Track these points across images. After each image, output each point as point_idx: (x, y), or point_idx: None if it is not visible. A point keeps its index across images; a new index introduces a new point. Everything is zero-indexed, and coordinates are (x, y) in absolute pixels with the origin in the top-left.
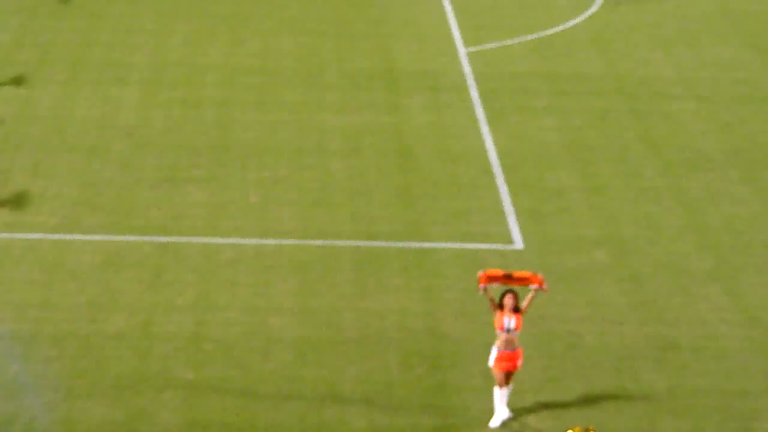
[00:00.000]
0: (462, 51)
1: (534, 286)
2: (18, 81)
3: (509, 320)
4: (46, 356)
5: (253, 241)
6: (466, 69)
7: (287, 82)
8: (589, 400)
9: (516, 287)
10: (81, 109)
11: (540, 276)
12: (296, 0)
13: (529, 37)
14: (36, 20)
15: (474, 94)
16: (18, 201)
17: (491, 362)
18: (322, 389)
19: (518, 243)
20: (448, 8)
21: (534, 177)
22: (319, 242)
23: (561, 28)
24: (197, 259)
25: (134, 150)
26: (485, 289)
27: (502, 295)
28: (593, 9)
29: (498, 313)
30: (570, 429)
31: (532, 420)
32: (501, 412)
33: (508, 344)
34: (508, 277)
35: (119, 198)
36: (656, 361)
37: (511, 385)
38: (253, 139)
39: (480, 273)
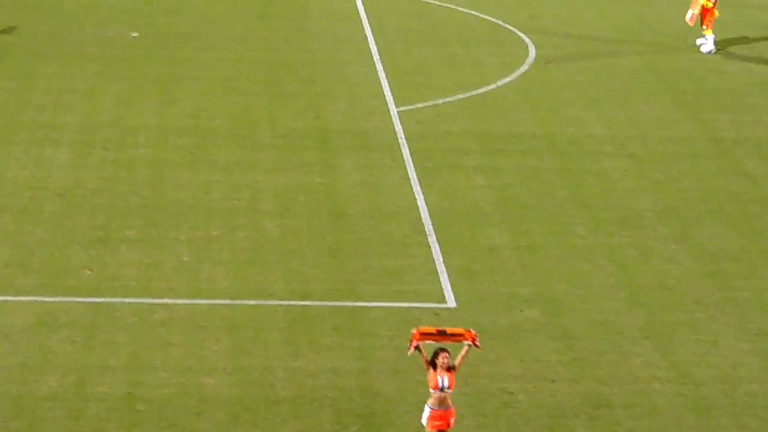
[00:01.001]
0: (394, 110)
1: (467, 343)
2: None
3: (442, 379)
4: None
5: (186, 301)
6: (398, 128)
7: (219, 142)
8: None
9: (449, 344)
10: (12, 170)
11: (473, 332)
12: (228, 60)
13: (460, 96)
14: None
15: (406, 153)
16: None
17: (424, 420)
18: None
19: (451, 301)
20: (380, 68)
21: (466, 235)
22: (251, 302)
23: (491, 87)
24: (130, 320)
25: (66, 211)
26: (418, 348)
27: (435, 354)
28: (523, 68)
29: (431, 372)
30: None
31: None
32: None
33: (442, 402)
34: (441, 334)
35: (51, 259)
36: (589, 419)
37: None
38: (185, 199)
39: (413, 330)
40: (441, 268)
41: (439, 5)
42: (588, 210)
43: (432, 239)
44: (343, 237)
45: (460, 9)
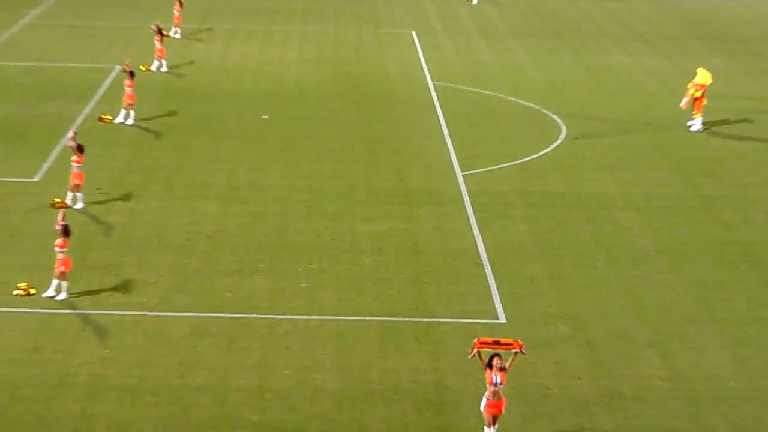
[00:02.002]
0: (459, 174)
1: (515, 350)
2: (127, 197)
3: (496, 377)
4: (147, 402)
5: (303, 317)
6: (462, 187)
7: (328, 198)
8: None
9: (501, 351)
10: (173, 218)
11: (520, 342)
12: (335, 136)
13: (510, 164)
14: (140, 151)
15: (468, 206)
16: (127, 286)
17: (482, 408)
18: (355, 428)
19: (502, 318)
20: (449, 142)
21: (513, 268)
22: (352, 318)
23: (533, 157)
24: (261, 331)
25: (213, 248)
26: (478, 353)
27: (491, 358)
28: (557, 142)
29: (488, 371)
30: None
31: None
32: None
33: (495, 395)
34: (496, 343)
35: (202, 284)
36: (606, 407)
37: (496, 426)
38: (303, 241)
39: (474, 340)
40: (495, 293)
41: (492, 95)
42: (605, 249)
43: (488, 271)
44: (421, 269)
45: (508, 98)
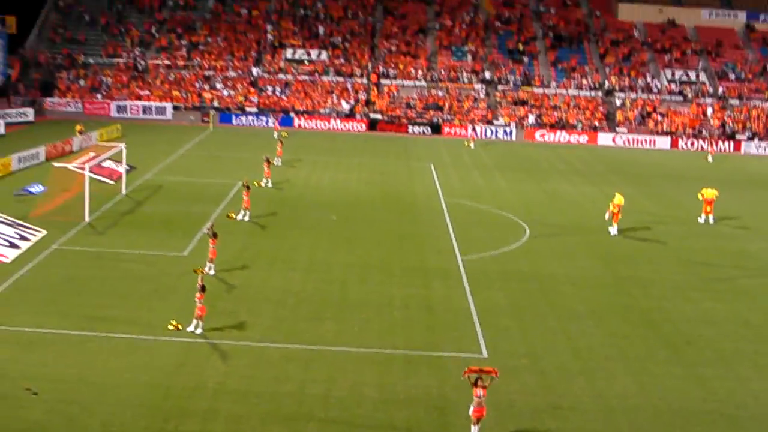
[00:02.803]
0: (459, 258)
1: (492, 375)
2: (243, 267)
3: (480, 392)
4: (252, 402)
5: (355, 349)
6: (461, 267)
7: (374, 271)
8: None
9: (483, 375)
10: (273, 282)
11: (496, 369)
12: (379, 232)
13: (493, 252)
14: (252, 238)
15: (464, 279)
16: (241, 326)
17: (470, 412)
18: (386, 423)
19: (485, 354)
20: (453, 237)
21: (493, 321)
22: (387, 351)
23: (508, 248)
24: (328, 357)
25: (298, 302)
26: (468, 377)
27: (476, 379)
28: (524, 239)
29: (474, 388)
30: None
31: None
32: None
33: (479, 404)
34: (480, 370)
35: (291, 326)
36: (551, 415)
37: (480, 425)
38: (357, 299)
39: (465, 368)
40: (480, 337)
41: (482, 207)
42: (554, 310)
43: (476, 323)
44: (432, 320)
45: (493, 209)
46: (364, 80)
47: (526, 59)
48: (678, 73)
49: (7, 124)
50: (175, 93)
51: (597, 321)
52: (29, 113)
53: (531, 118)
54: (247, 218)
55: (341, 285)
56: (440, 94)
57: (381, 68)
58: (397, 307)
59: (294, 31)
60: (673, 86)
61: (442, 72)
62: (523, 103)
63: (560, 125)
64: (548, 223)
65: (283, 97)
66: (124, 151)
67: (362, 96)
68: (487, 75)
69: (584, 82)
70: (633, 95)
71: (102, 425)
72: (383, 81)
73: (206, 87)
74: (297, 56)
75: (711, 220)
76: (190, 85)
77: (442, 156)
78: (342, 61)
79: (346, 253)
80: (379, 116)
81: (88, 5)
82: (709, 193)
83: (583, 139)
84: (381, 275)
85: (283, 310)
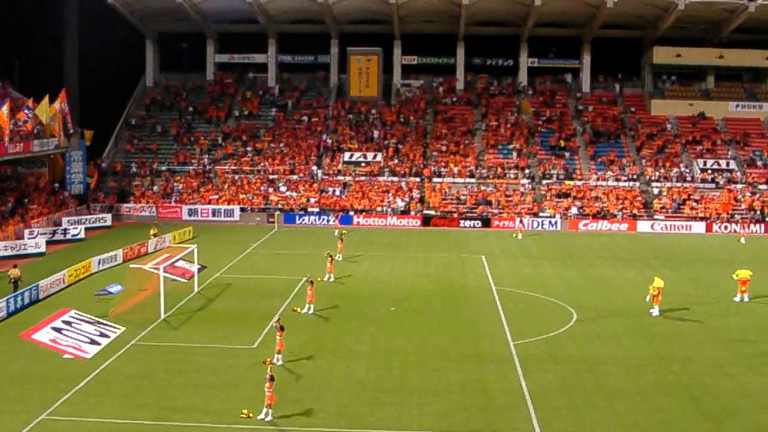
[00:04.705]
0: (511, 343)
1: None
2: (308, 358)
3: None
4: None
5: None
6: (513, 351)
7: (431, 357)
8: None
9: None
10: (336, 370)
11: None
12: (435, 320)
13: (542, 336)
14: (317, 330)
15: (517, 363)
16: (308, 413)
17: None
18: None
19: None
20: (504, 323)
21: (544, 401)
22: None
23: (556, 332)
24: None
25: (361, 389)
26: None
27: None
28: (571, 324)
29: None
30: None
31: None
32: None
33: None
34: None
35: (352, 409)
36: None
37: None
38: (413, 384)
39: None
40: (533, 415)
41: (530, 294)
42: (601, 389)
43: (528, 402)
44: (489, 405)
45: (540, 296)
46: (418, 179)
47: (567, 154)
48: (710, 162)
49: (87, 229)
50: (242, 196)
51: (642, 398)
52: (107, 218)
53: (574, 209)
54: (311, 311)
55: (400, 372)
56: (489, 189)
57: (433, 167)
58: (454, 391)
59: (351, 135)
60: (705, 174)
61: (490, 169)
62: (566, 195)
63: (602, 215)
64: (593, 307)
65: (343, 196)
66: (196, 252)
67: (416, 194)
68: (532, 170)
69: (622, 173)
70: (668, 184)
71: None
72: (435, 179)
73: (271, 189)
74: (354, 158)
75: (746, 299)
76: (256, 188)
77: (492, 247)
78: (396, 161)
79: (405, 342)
80: (432, 212)
81: (159, 118)
82: (744, 273)
83: (624, 227)
84: (438, 361)
85: (346, 396)
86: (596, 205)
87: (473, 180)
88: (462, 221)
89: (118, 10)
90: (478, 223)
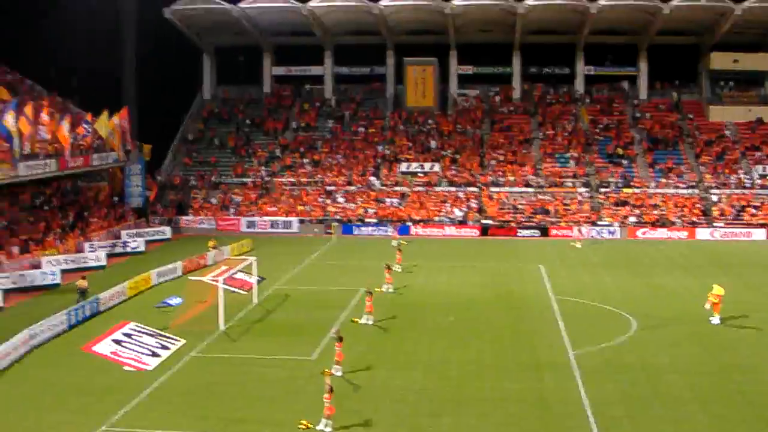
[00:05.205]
0: (570, 351)
1: None
2: (366, 368)
3: None
4: None
5: None
6: (572, 360)
7: (489, 367)
8: None
9: None
10: (394, 381)
11: None
12: (493, 328)
13: (602, 345)
14: (375, 339)
15: (576, 372)
16: (367, 423)
17: None
18: None
19: None
20: (563, 332)
21: (602, 410)
22: None
23: (615, 342)
24: None
25: (419, 399)
26: None
27: None
28: (631, 332)
29: None
30: None
31: None
32: None
33: None
34: None
35: (413, 425)
36: None
37: None
38: (472, 394)
39: None
40: (594, 429)
41: (589, 303)
42: (660, 398)
43: (588, 412)
44: (548, 415)
45: (599, 304)
46: (475, 189)
47: (625, 162)
48: None
49: (147, 242)
50: (300, 207)
51: (702, 407)
52: (166, 231)
53: (632, 218)
54: (370, 322)
55: (458, 381)
56: (546, 198)
57: (490, 177)
58: (513, 400)
59: (408, 145)
60: (765, 181)
61: (548, 178)
62: (625, 203)
63: (660, 222)
64: (653, 316)
65: (400, 207)
66: (255, 264)
67: (474, 203)
68: (590, 179)
69: (681, 181)
70: (727, 191)
71: None
72: (493, 188)
73: (328, 201)
74: (411, 169)
75: None
76: (314, 199)
77: (550, 257)
78: (453, 171)
79: (463, 352)
80: (490, 222)
81: (217, 131)
82: None
83: (683, 234)
84: (496, 371)
85: (405, 407)
86: (655, 213)
87: (531, 189)
88: (520, 230)
89: (175, 24)
90: (536, 233)
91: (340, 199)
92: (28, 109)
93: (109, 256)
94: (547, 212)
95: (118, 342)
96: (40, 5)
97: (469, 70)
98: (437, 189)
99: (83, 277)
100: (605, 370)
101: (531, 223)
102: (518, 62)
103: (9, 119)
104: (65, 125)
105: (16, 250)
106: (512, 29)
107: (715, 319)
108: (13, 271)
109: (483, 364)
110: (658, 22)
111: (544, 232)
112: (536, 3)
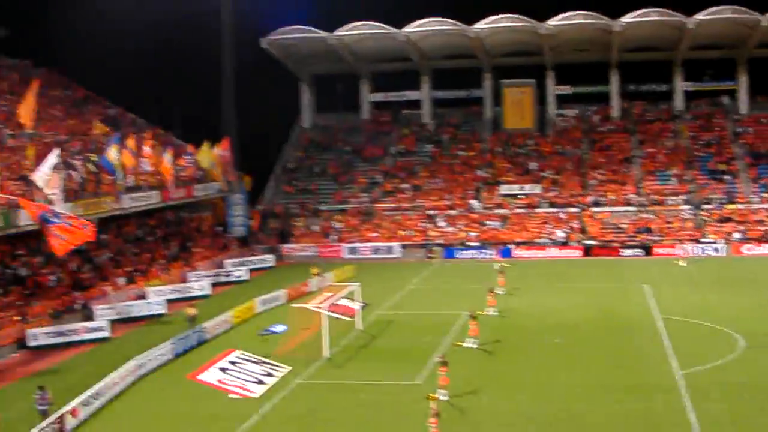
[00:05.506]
0: (678, 372)
1: None
2: (472, 393)
3: None
4: None
5: None
6: (680, 381)
7: (595, 389)
8: None
9: None
10: (500, 403)
11: None
12: (598, 349)
13: (708, 365)
14: (481, 364)
15: (684, 393)
16: None
17: None
18: None
19: None
20: (670, 351)
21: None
22: None
23: (726, 360)
24: None
25: (526, 422)
26: None
27: None
28: (739, 351)
29: None
30: None
31: None
32: None
33: None
34: None
35: None
36: None
37: None
38: (583, 416)
39: None
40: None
41: (694, 322)
42: None
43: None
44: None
45: (705, 323)
46: (576, 209)
47: (727, 178)
48: None
49: (251, 270)
50: (401, 232)
51: None
52: (269, 259)
53: (737, 234)
54: (474, 345)
55: (565, 404)
56: (649, 217)
57: (591, 197)
58: (620, 423)
59: (507, 167)
60: None
61: (649, 196)
62: (728, 219)
63: (766, 238)
64: (762, 333)
65: (502, 229)
66: (358, 290)
67: (575, 224)
68: (692, 196)
69: None
70: None
71: None
72: (594, 208)
73: (429, 225)
74: (512, 191)
75: None
76: (415, 224)
77: (654, 276)
78: (554, 192)
79: (569, 374)
80: (592, 242)
81: (317, 158)
82: None
83: None
84: (603, 393)
85: (512, 431)
86: (760, 228)
87: (632, 208)
88: (622, 250)
89: (272, 54)
90: (639, 252)
91: (441, 223)
92: (131, 143)
93: (214, 285)
94: (649, 231)
95: (223, 370)
96: (143, 42)
97: (566, 90)
98: (538, 210)
99: (192, 305)
100: (714, 390)
101: (634, 242)
102: (616, 80)
103: (112, 153)
104: (167, 157)
105: (121, 281)
106: (609, 47)
107: None
108: (119, 302)
109: (590, 386)
110: (757, 34)
111: (647, 251)
112: (632, 20)
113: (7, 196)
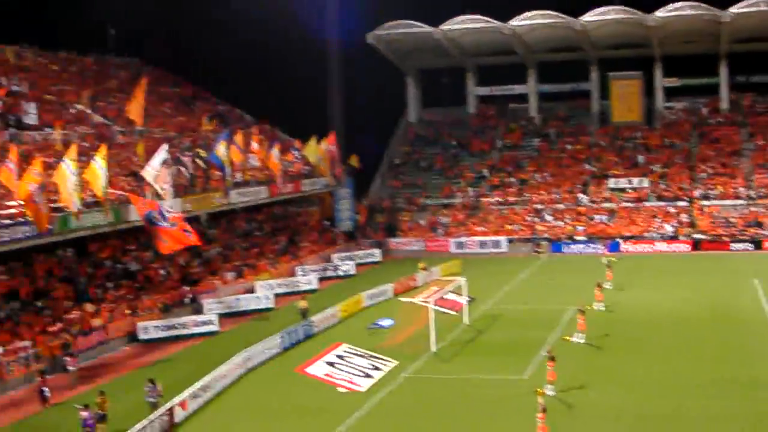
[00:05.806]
0: None
1: None
2: (581, 387)
3: None
4: None
5: None
6: None
7: (707, 386)
8: None
9: None
10: (609, 399)
11: None
12: (707, 344)
13: None
14: (588, 358)
15: None
16: None
17: None
18: None
19: None
20: None
21: None
22: None
23: None
24: None
25: (636, 419)
26: None
27: None
28: None
29: None
30: None
31: None
32: None
33: None
34: None
35: None
36: None
37: None
38: (694, 412)
39: None
40: None
41: None
42: None
43: None
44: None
45: None
46: (685, 203)
47: None
48: None
49: (358, 265)
50: (508, 227)
51: None
52: (376, 253)
53: None
54: (582, 340)
55: (675, 400)
56: (759, 210)
57: (700, 190)
58: (730, 419)
59: (615, 161)
60: None
61: (760, 190)
62: None
63: None
64: None
65: (610, 224)
66: (465, 284)
67: (684, 218)
68: None
69: None
70: None
71: None
72: (703, 202)
73: (537, 219)
74: (620, 185)
75: None
76: (522, 218)
77: (765, 270)
78: (663, 186)
79: (679, 369)
80: (701, 236)
81: (423, 153)
82: None
83: None
84: (712, 389)
85: (621, 427)
86: None
87: (742, 201)
88: (732, 244)
89: (378, 49)
90: (749, 246)
91: (548, 218)
92: (239, 138)
93: (321, 279)
94: (760, 225)
95: (331, 364)
96: (249, 39)
97: (674, 82)
98: (646, 204)
99: (303, 298)
100: None
101: (744, 237)
102: (725, 72)
103: (221, 149)
104: (275, 152)
105: (230, 275)
106: (717, 38)
107: None
108: (228, 296)
109: (699, 382)
110: None
111: (758, 245)
112: (741, 11)
113: (118, 192)
